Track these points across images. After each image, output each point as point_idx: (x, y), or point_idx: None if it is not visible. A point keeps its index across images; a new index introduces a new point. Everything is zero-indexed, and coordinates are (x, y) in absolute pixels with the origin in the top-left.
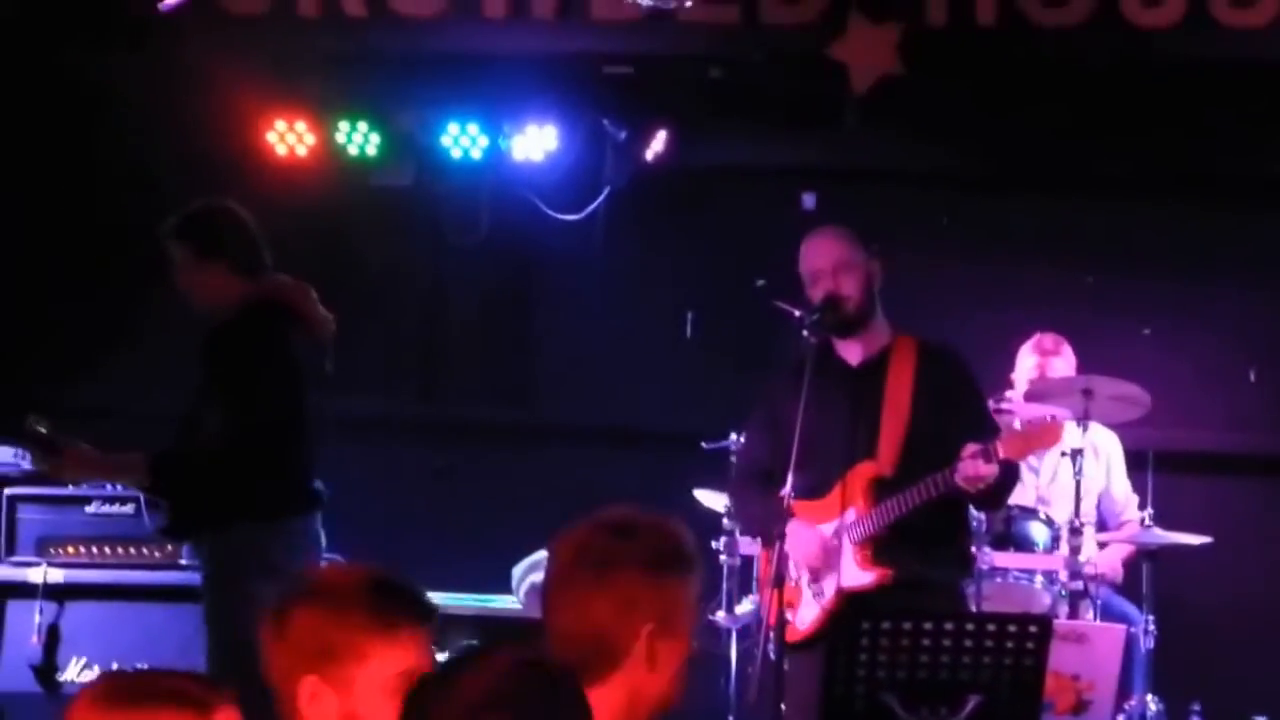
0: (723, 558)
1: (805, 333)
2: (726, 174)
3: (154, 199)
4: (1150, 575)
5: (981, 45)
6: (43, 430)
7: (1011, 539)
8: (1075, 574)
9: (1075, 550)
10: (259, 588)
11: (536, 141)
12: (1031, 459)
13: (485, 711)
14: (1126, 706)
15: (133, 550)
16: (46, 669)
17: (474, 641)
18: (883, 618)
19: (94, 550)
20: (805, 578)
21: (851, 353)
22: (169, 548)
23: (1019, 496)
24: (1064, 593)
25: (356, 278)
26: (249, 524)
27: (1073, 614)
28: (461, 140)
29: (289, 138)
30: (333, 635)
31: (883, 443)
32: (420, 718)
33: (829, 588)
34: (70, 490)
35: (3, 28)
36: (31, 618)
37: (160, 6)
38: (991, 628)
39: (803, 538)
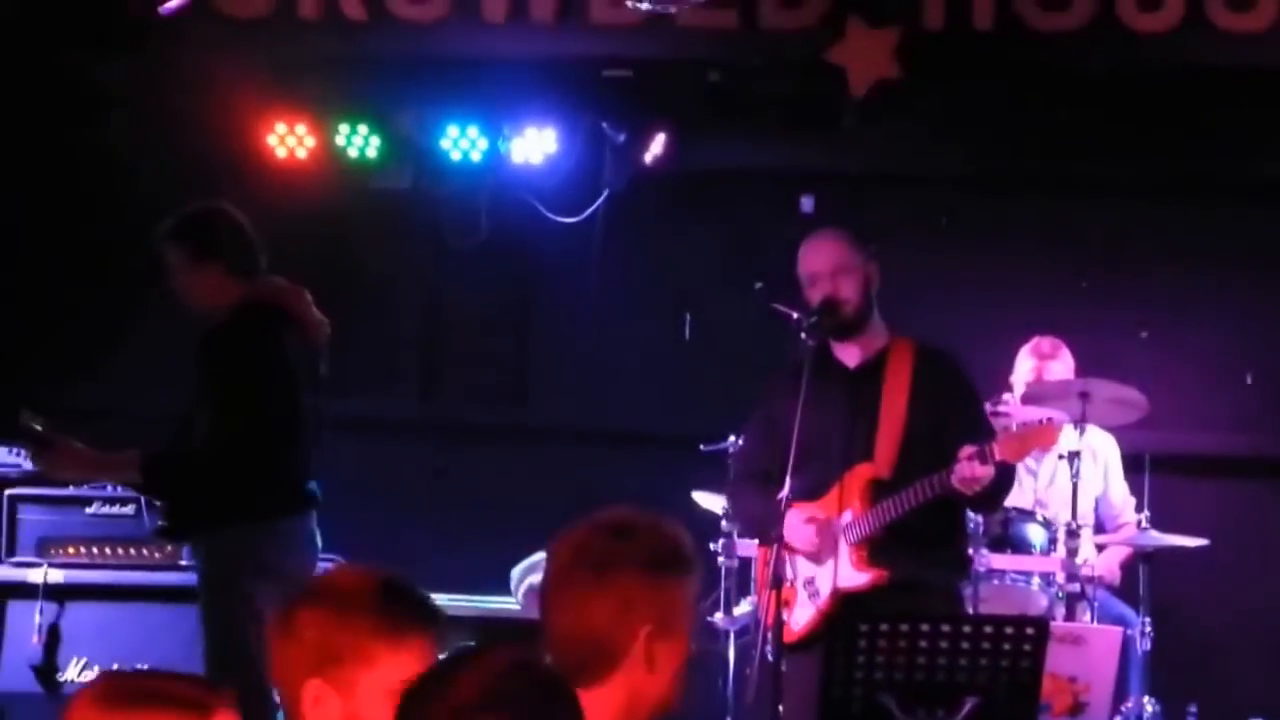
0: (721, 559)
1: (803, 335)
2: (725, 177)
3: (154, 201)
4: (1147, 577)
5: (979, 49)
6: (37, 427)
7: (1009, 541)
8: (1072, 576)
9: (1072, 552)
10: (254, 588)
11: (536, 144)
12: (1030, 461)
13: (479, 712)
14: (1123, 708)
15: (133, 551)
16: (47, 669)
17: (472, 642)
18: (880, 619)
19: (94, 551)
20: (801, 578)
21: (849, 355)
22: (169, 548)
23: (1016, 499)
24: (1061, 595)
25: (356, 280)
26: (243, 525)
27: (1070, 616)
28: (461, 143)
29: (289, 140)
30: (339, 638)
31: (880, 444)
32: (414, 718)
33: (824, 588)
34: (71, 491)
35: (3, 28)
36: (32, 618)
37: (161, 10)
38: (988, 629)
39: (799, 525)
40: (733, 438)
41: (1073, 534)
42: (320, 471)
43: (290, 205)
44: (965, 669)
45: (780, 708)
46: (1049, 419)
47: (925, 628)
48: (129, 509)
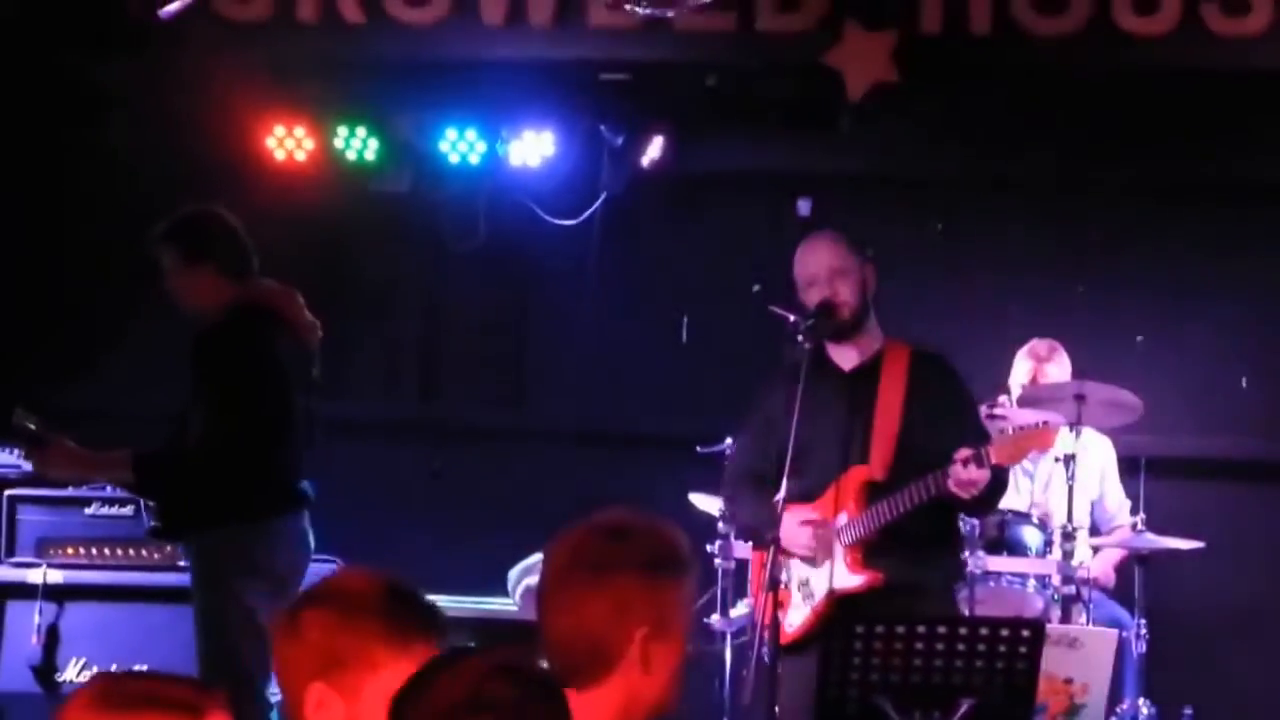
0: (717, 561)
1: (800, 338)
2: (722, 180)
3: (152, 202)
4: (1142, 580)
5: (976, 53)
6: (30, 425)
7: (1005, 543)
8: (1068, 578)
9: (1068, 555)
10: (245, 587)
11: (534, 147)
12: (1026, 464)
13: (463, 713)
14: (1118, 710)
15: (132, 552)
16: (46, 669)
17: (470, 644)
18: (876, 621)
19: (93, 551)
20: (796, 580)
21: (844, 357)
22: (168, 549)
23: (1013, 501)
24: (1057, 597)
25: (355, 282)
26: (235, 525)
27: (1065, 618)
28: (459, 146)
29: (288, 143)
30: (344, 643)
31: (875, 447)
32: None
33: (820, 590)
34: (70, 492)
35: (3, 29)
36: (31, 618)
37: (160, 13)
38: (984, 631)
39: (795, 528)
40: (730, 440)
41: (1068, 536)
42: (318, 472)
43: (289, 208)
44: (961, 671)
45: (776, 709)
46: (1045, 422)
47: (921, 629)
48: (128, 510)
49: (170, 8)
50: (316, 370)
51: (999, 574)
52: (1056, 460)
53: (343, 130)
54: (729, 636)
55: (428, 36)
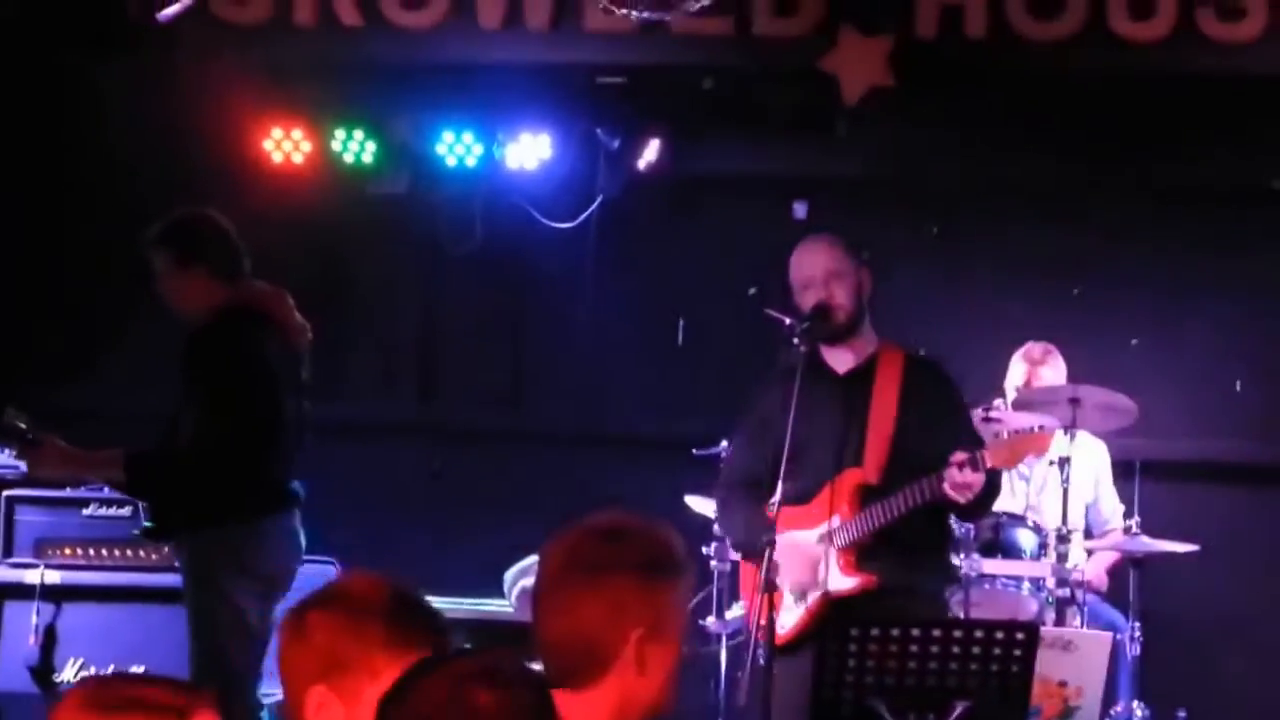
0: (713, 563)
1: (796, 340)
2: (718, 183)
3: (149, 204)
4: (1137, 583)
5: (971, 57)
6: (21, 424)
7: (1000, 546)
8: (1062, 581)
9: (1062, 558)
10: (235, 587)
11: (530, 150)
12: (1022, 467)
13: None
14: (1113, 713)
15: (129, 552)
16: (43, 670)
17: (467, 645)
18: (871, 623)
19: (91, 552)
20: (788, 583)
21: (839, 361)
22: (165, 550)
23: (1008, 504)
24: (1051, 600)
25: (352, 284)
26: (225, 525)
27: (1060, 621)
28: (456, 148)
29: (285, 145)
30: (348, 647)
31: (869, 450)
32: None
33: (811, 593)
34: (68, 493)
35: (2, 29)
36: (29, 619)
37: (159, 15)
38: (979, 634)
39: (790, 556)
40: (725, 442)
41: (1063, 539)
42: (317, 474)
43: (286, 210)
44: (956, 673)
45: (771, 710)
46: (1040, 427)
47: (916, 632)
48: (125, 510)
49: (169, 10)
50: (307, 372)
51: (993, 577)
52: (1051, 463)
53: (340, 132)
54: (724, 638)
55: (425, 39)
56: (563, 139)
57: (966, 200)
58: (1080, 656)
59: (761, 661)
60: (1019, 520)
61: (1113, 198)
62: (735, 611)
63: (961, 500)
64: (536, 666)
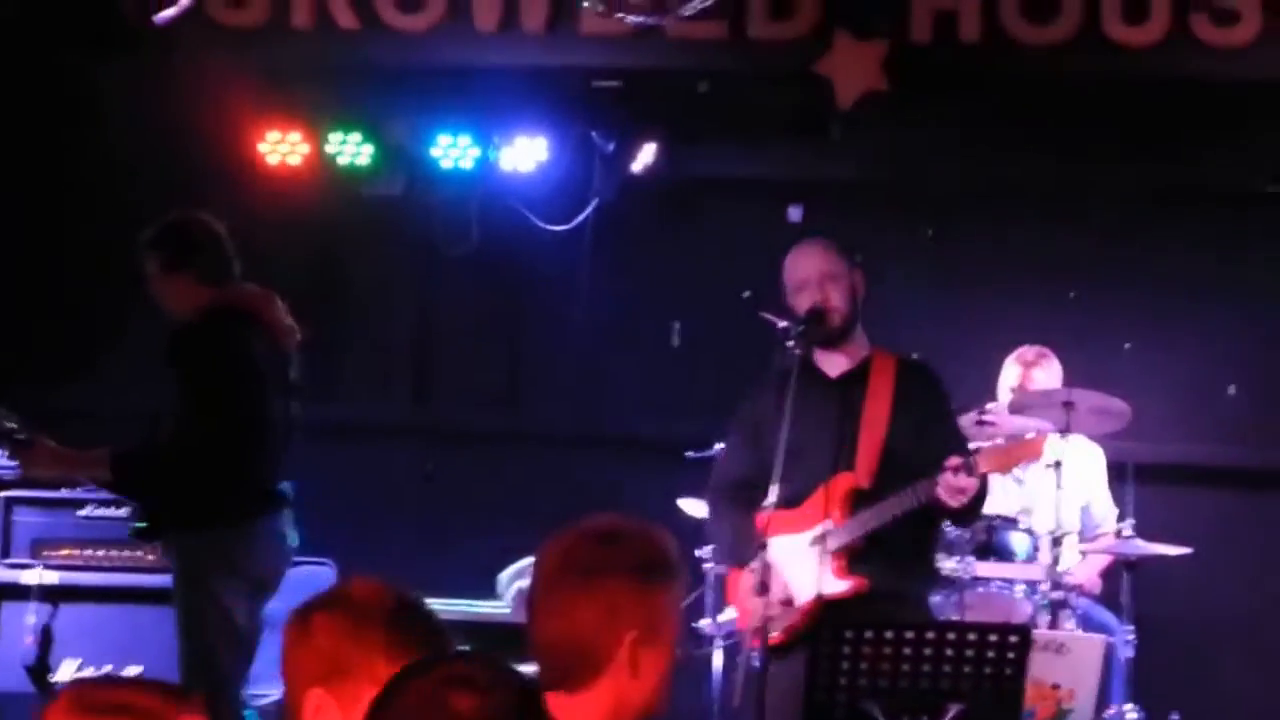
0: (707, 565)
1: (790, 343)
2: (713, 186)
3: (146, 207)
4: (1130, 586)
5: (966, 61)
6: (11, 424)
7: (993, 549)
8: (1056, 584)
9: (1056, 560)
10: (225, 589)
11: (526, 153)
12: (1016, 470)
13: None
14: (1105, 716)
15: (126, 553)
16: (40, 670)
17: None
18: (865, 626)
19: (88, 553)
20: (780, 586)
21: (831, 364)
22: (161, 550)
23: (1001, 506)
24: (1045, 602)
25: (348, 286)
26: (214, 527)
27: (1053, 624)
28: (452, 151)
29: (282, 147)
30: (349, 652)
31: (860, 454)
32: None
33: (803, 595)
34: (64, 494)
35: (2, 29)
36: (26, 619)
37: (156, 18)
38: (972, 637)
39: (782, 559)
40: (719, 445)
41: (1057, 542)
42: (311, 475)
43: (283, 212)
44: (949, 676)
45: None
46: (1035, 432)
47: (909, 635)
48: (122, 511)
49: (166, 13)
50: (296, 373)
51: (987, 579)
52: (1047, 467)
53: (336, 135)
54: (718, 640)
55: (421, 42)
56: (558, 142)
57: (961, 204)
58: (1073, 659)
59: (755, 664)
60: (1012, 523)
61: (1107, 201)
62: (729, 614)
63: (955, 504)
64: (532, 669)
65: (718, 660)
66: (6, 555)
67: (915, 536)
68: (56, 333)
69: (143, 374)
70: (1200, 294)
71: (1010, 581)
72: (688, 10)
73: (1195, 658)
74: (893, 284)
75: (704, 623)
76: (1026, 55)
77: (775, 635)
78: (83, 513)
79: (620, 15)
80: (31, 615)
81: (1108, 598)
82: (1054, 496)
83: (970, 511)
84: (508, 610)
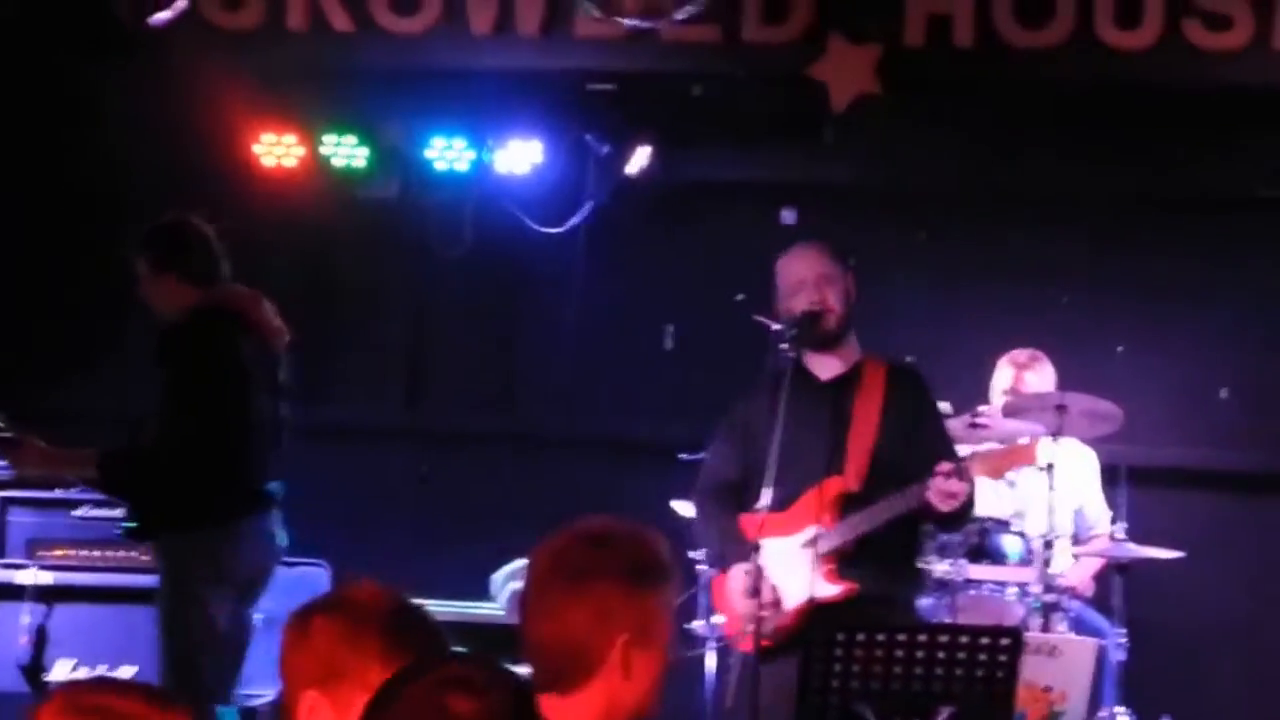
0: (701, 567)
1: (784, 346)
2: (707, 189)
3: (141, 209)
4: (1122, 589)
5: (959, 65)
6: None
7: (985, 551)
8: (1048, 587)
9: (1047, 563)
10: (211, 594)
11: (521, 155)
12: (1009, 473)
13: None
14: (1097, 718)
15: (121, 553)
16: (35, 670)
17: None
18: (857, 629)
19: (82, 553)
20: (770, 586)
21: (823, 367)
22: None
23: (994, 509)
24: (1037, 605)
25: (343, 288)
26: (202, 528)
27: (1045, 626)
28: (447, 153)
29: (276, 149)
30: (345, 656)
31: (850, 458)
32: None
33: (793, 598)
34: (59, 494)
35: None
36: (20, 619)
37: (151, 21)
38: (964, 639)
39: (772, 562)
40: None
41: (1049, 545)
42: (306, 476)
43: (277, 214)
44: (941, 678)
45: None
46: (1029, 438)
47: (901, 637)
48: (117, 512)
49: (161, 15)
50: (285, 374)
51: (979, 582)
52: (1039, 470)
53: (331, 137)
54: (711, 641)
55: (416, 45)
56: (553, 144)
57: (954, 207)
58: (1065, 662)
59: (745, 667)
60: (1005, 526)
61: (1100, 205)
62: (720, 617)
63: (945, 509)
64: (525, 670)
65: (710, 662)
66: (1, 555)
67: (903, 540)
68: (56, 333)
69: (142, 375)
70: (1193, 298)
71: (1002, 584)
72: (682, 14)
73: (1187, 661)
74: (886, 287)
75: (697, 624)
76: (1019, 59)
77: (765, 637)
78: (78, 513)
79: (614, 19)
80: (26, 615)
81: (1099, 601)
82: (1046, 499)
83: (959, 516)
84: (501, 612)
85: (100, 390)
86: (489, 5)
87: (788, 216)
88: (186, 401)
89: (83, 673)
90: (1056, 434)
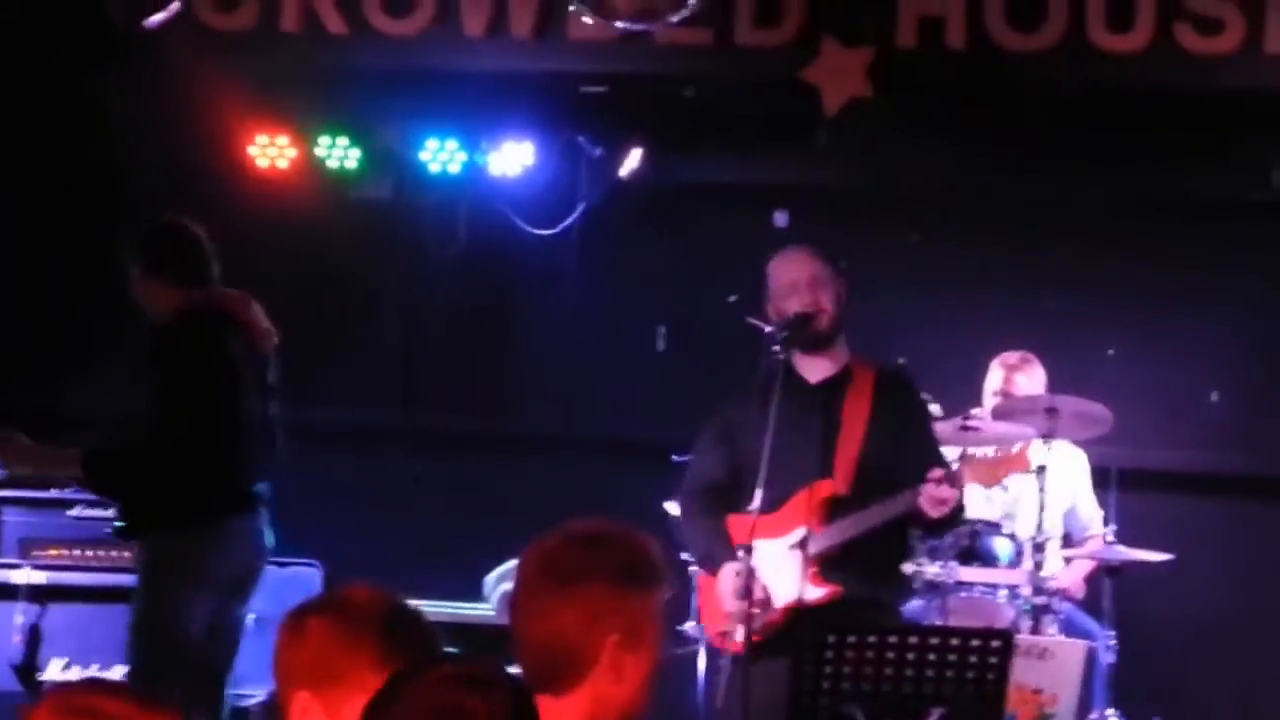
0: (692, 569)
1: (776, 348)
2: (699, 191)
3: (136, 210)
4: (1112, 591)
5: (951, 68)
6: None
7: (976, 554)
8: (1038, 589)
9: (1038, 565)
10: (188, 593)
11: (514, 157)
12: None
13: None
14: None
15: (114, 553)
16: (28, 669)
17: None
18: (848, 631)
19: (76, 553)
20: (759, 587)
21: (812, 370)
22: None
23: (984, 512)
24: (1027, 607)
25: (336, 289)
26: (189, 527)
27: (1036, 628)
28: (440, 155)
29: (270, 151)
30: (340, 658)
31: (839, 462)
32: None
33: (781, 599)
34: (53, 494)
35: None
36: (14, 618)
37: (145, 23)
38: (954, 641)
39: (760, 564)
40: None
41: (1039, 547)
42: (300, 477)
43: (271, 215)
44: (931, 680)
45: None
46: (1021, 443)
47: (892, 639)
48: (110, 512)
49: (155, 17)
50: (274, 375)
51: (970, 584)
52: (1031, 472)
53: (325, 139)
54: (703, 642)
55: (409, 47)
56: (545, 146)
57: (946, 210)
58: (1056, 664)
59: (733, 668)
60: (995, 528)
61: (1092, 208)
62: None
63: (935, 515)
64: (516, 670)
65: (701, 662)
66: None
67: (890, 545)
68: (55, 334)
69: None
70: (1183, 301)
71: (993, 586)
72: (675, 16)
73: (1177, 663)
74: (877, 289)
75: (688, 625)
76: (1012, 62)
77: (754, 633)
78: (71, 513)
79: (608, 21)
80: (19, 615)
81: (1089, 603)
82: (1037, 501)
83: (948, 522)
84: (493, 613)
85: (100, 391)
86: (482, 7)
87: (780, 219)
88: (178, 402)
89: (76, 672)
90: (1047, 437)
